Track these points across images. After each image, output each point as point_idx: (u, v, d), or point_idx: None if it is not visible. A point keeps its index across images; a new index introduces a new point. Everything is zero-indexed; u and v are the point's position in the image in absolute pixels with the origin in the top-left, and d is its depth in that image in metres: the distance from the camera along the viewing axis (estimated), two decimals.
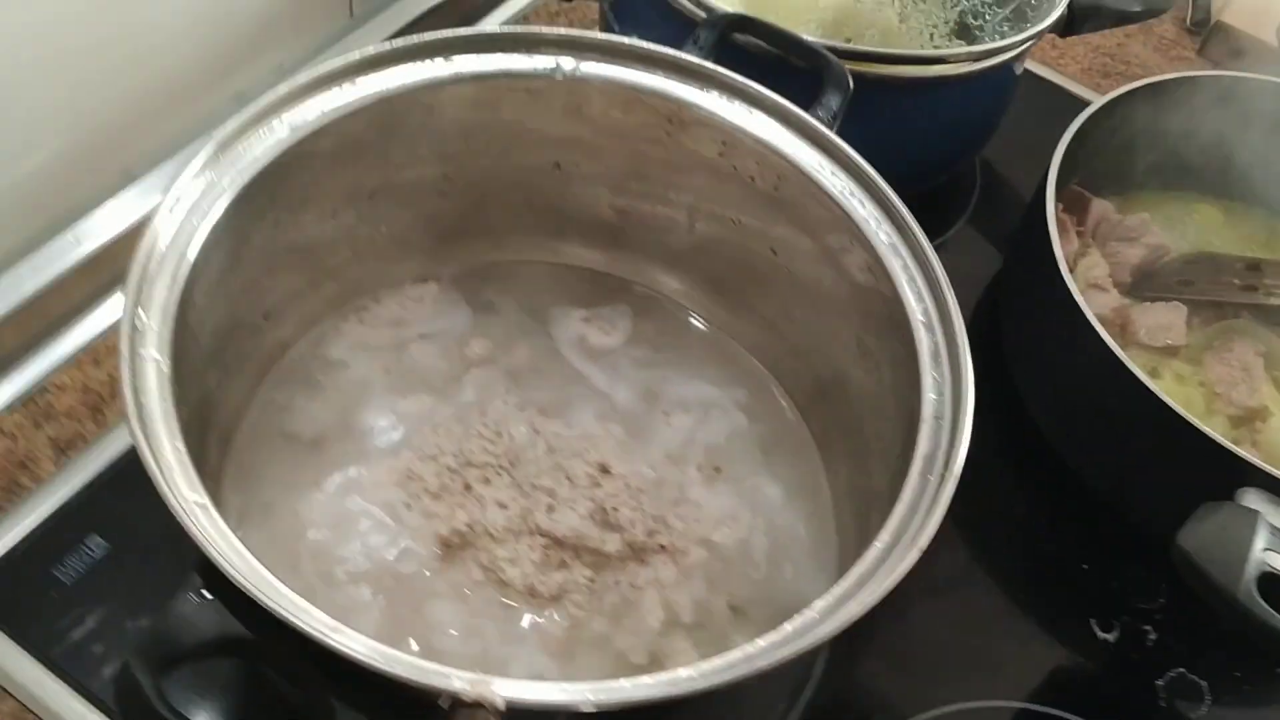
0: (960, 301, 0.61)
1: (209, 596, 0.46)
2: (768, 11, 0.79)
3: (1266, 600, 0.62)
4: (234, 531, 0.49)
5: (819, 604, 0.51)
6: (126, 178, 0.76)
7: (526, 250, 0.76)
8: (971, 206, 0.97)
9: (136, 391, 0.50)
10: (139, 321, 0.52)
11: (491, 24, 0.97)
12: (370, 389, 0.71)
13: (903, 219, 0.63)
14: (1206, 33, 1.12)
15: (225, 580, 0.45)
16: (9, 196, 0.70)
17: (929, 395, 0.58)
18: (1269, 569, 0.63)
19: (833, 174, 0.65)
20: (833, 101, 0.67)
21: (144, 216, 0.73)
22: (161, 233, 0.55)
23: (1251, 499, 0.67)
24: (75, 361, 0.73)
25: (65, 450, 0.70)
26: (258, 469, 0.66)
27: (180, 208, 0.56)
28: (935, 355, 0.59)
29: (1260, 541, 0.64)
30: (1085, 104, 1.02)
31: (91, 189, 0.75)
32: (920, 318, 0.60)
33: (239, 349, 0.65)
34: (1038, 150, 0.97)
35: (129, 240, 0.73)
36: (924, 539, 0.52)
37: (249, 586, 0.45)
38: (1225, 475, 0.68)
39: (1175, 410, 0.69)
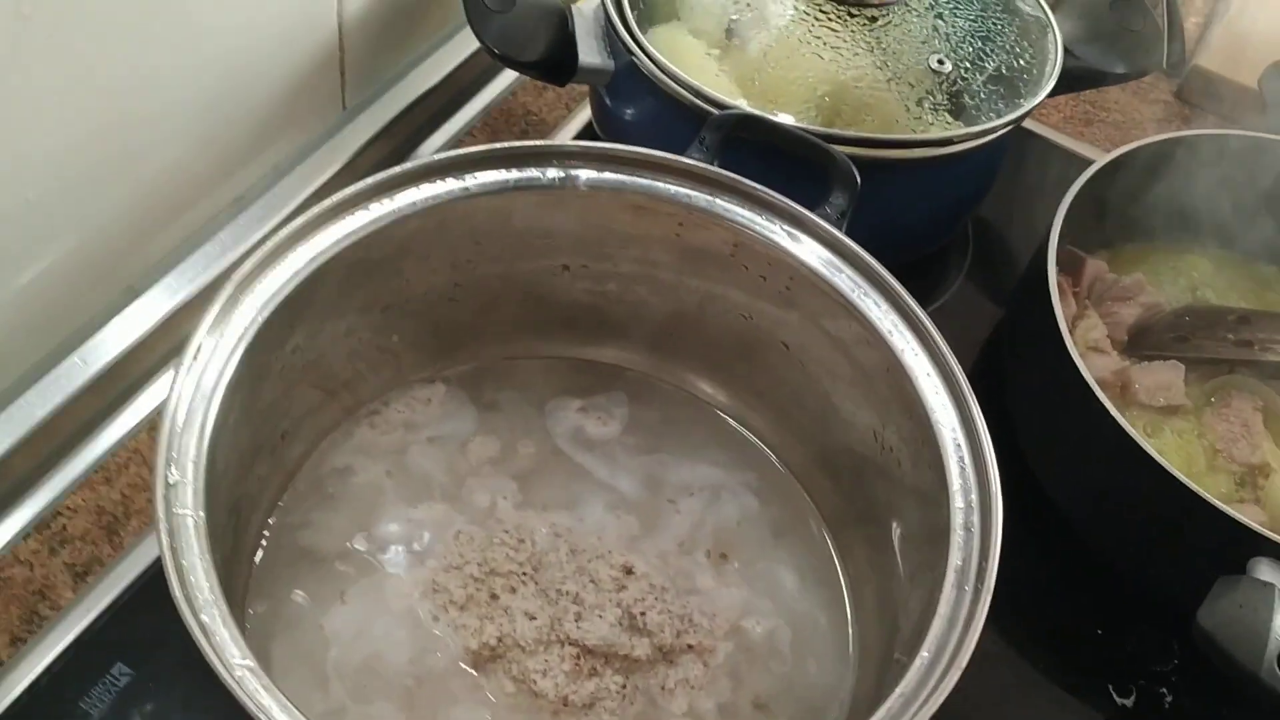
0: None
1: None
2: (766, 97, 0.80)
3: None
4: (259, 647, 0.49)
5: None
6: (129, 294, 0.75)
7: (535, 348, 0.76)
8: (967, 264, 0.97)
9: (176, 553, 0.50)
10: (172, 478, 0.52)
11: (478, 106, 0.97)
12: (386, 498, 0.70)
13: (919, 321, 0.63)
14: (1184, 76, 1.13)
15: None
16: (12, 318, 0.69)
17: (957, 504, 0.58)
18: None
19: (844, 273, 0.65)
20: (840, 200, 0.67)
21: (144, 335, 0.74)
22: (185, 388, 0.54)
23: (1265, 570, 0.68)
24: (87, 482, 0.73)
25: (83, 575, 0.70)
26: (282, 586, 0.66)
27: (202, 355, 0.56)
28: (960, 462, 0.59)
29: (1279, 617, 0.65)
30: (1071, 156, 1.05)
31: (95, 307, 0.74)
32: (946, 426, 0.60)
33: (259, 474, 0.65)
34: (1027, 206, 0.99)
35: (136, 356, 0.74)
36: (964, 657, 0.53)
37: None
38: (1235, 544, 0.69)
39: (1181, 481, 0.70)
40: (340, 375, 0.69)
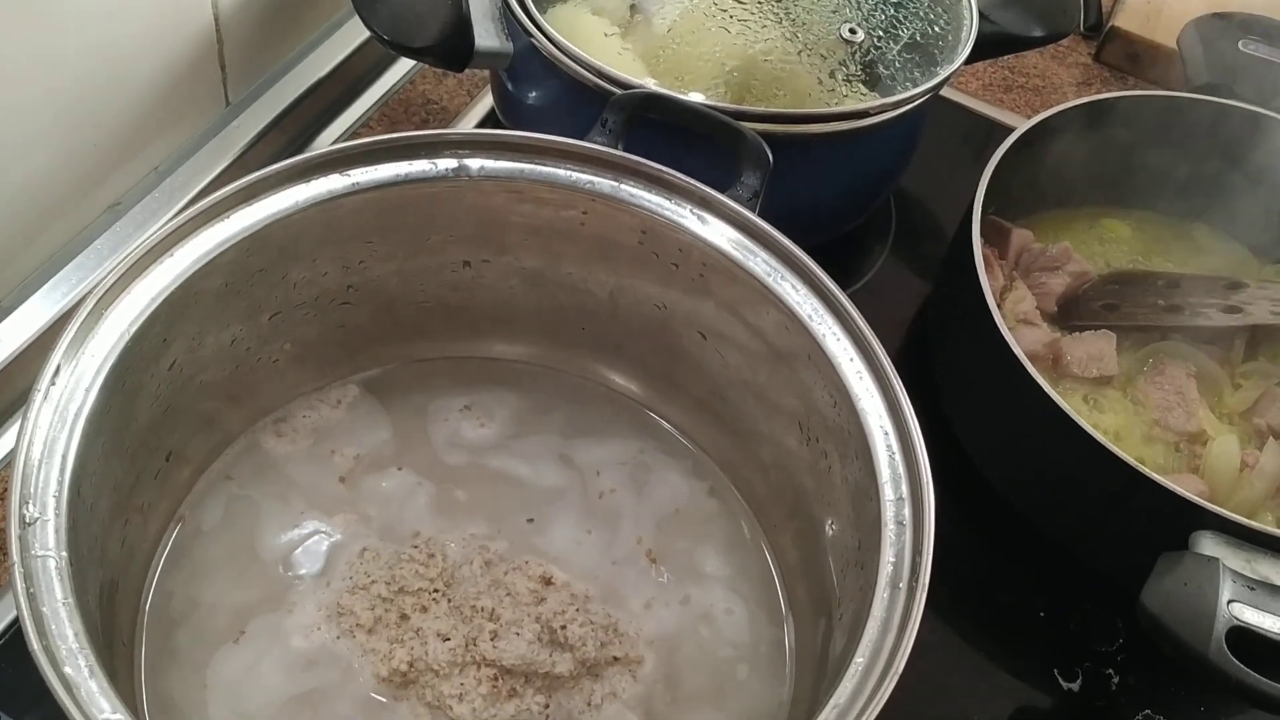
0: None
1: None
2: (673, 75, 0.77)
3: (1237, 653, 0.61)
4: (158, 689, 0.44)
5: None
6: None
7: (441, 349, 0.72)
8: (890, 239, 0.95)
9: (34, 600, 0.45)
10: (29, 516, 0.47)
11: (375, 95, 0.93)
12: (286, 516, 0.66)
13: (840, 304, 0.60)
14: (1101, 37, 1.11)
15: None
16: None
17: (887, 496, 0.55)
18: (1238, 623, 0.62)
19: (758, 257, 0.62)
20: (752, 180, 0.64)
21: (14, 354, 0.69)
22: (41, 417, 0.50)
23: (1208, 544, 0.66)
24: None
25: None
26: (175, 619, 0.62)
27: (60, 379, 0.51)
28: (889, 451, 0.56)
29: (1225, 594, 0.63)
30: (991, 123, 1.03)
31: None
32: (872, 414, 0.57)
33: (142, 501, 0.60)
34: (949, 175, 0.96)
35: (4, 380, 0.68)
36: (899, 662, 0.50)
37: None
38: (1176, 517, 0.67)
39: (1116, 454, 0.68)
40: (228, 389, 0.65)
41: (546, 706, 0.61)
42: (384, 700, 0.60)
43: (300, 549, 0.65)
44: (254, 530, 0.65)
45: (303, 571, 0.64)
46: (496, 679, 0.61)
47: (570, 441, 0.72)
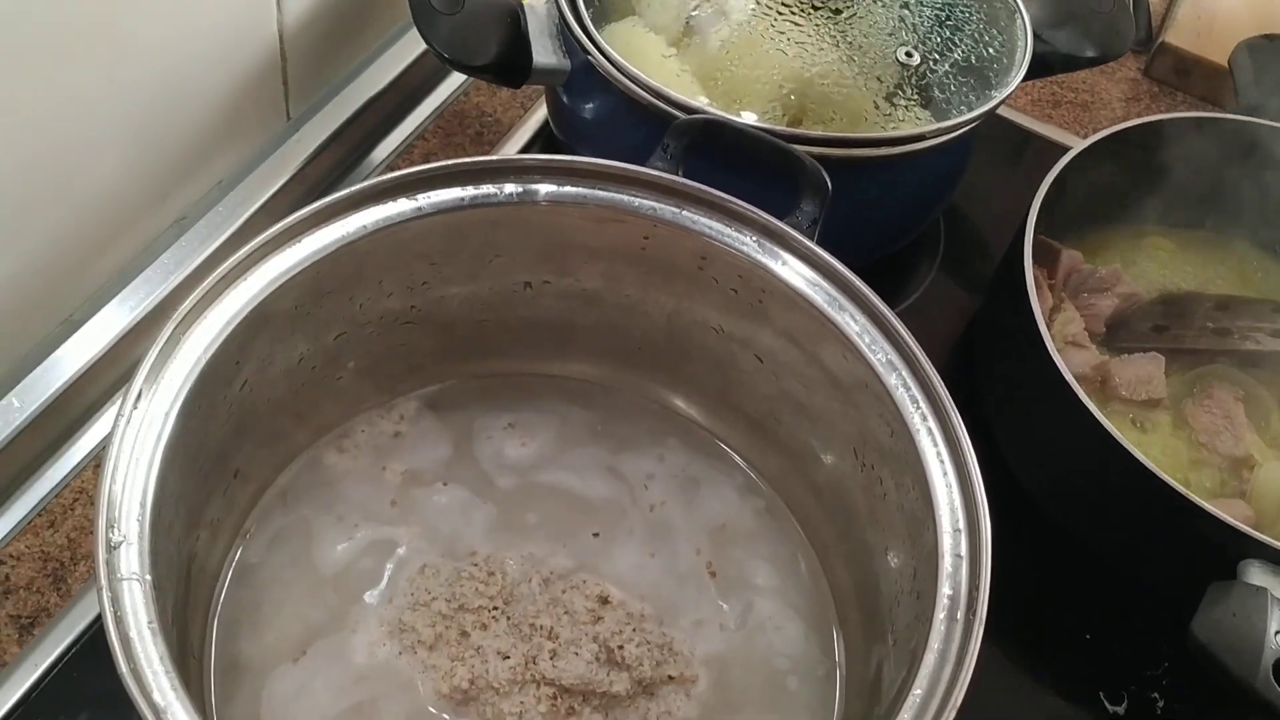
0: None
1: None
2: (729, 96, 0.77)
3: None
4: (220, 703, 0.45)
5: None
6: (69, 326, 0.72)
7: (498, 366, 0.73)
8: (939, 256, 0.95)
9: (121, 624, 0.47)
10: (114, 540, 0.48)
11: (430, 108, 0.94)
12: (345, 531, 0.67)
13: (897, 334, 0.60)
14: (1151, 53, 1.11)
15: None
16: None
17: (944, 528, 0.56)
18: None
19: (818, 286, 0.63)
20: (811, 207, 0.64)
21: (85, 366, 0.70)
22: (124, 442, 0.51)
23: (1256, 573, 0.67)
24: (30, 527, 0.69)
25: (29, 628, 0.66)
26: (242, 631, 0.63)
27: (142, 403, 0.52)
28: (946, 484, 0.57)
29: (1274, 624, 0.64)
30: (1041, 140, 1.03)
31: (32, 342, 0.71)
32: (928, 446, 0.58)
33: (212, 515, 0.62)
34: (999, 193, 0.97)
35: (78, 390, 0.70)
36: (958, 695, 0.51)
37: None
38: (1223, 544, 0.68)
39: (1164, 480, 0.68)
40: (294, 407, 0.66)
41: None
42: (444, 717, 0.62)
43: (361, 565, 0.66)
44: (316, 546, 0.67)
45: (364, 588, 0.66)
46: (555, 698, 0.62)
47: (617, 455, 0.73)
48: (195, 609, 0.60)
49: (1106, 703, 0.74)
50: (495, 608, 0.65)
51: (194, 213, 0.78)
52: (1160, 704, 0.74)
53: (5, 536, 0.68)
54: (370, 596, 0.65)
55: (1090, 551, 0.77)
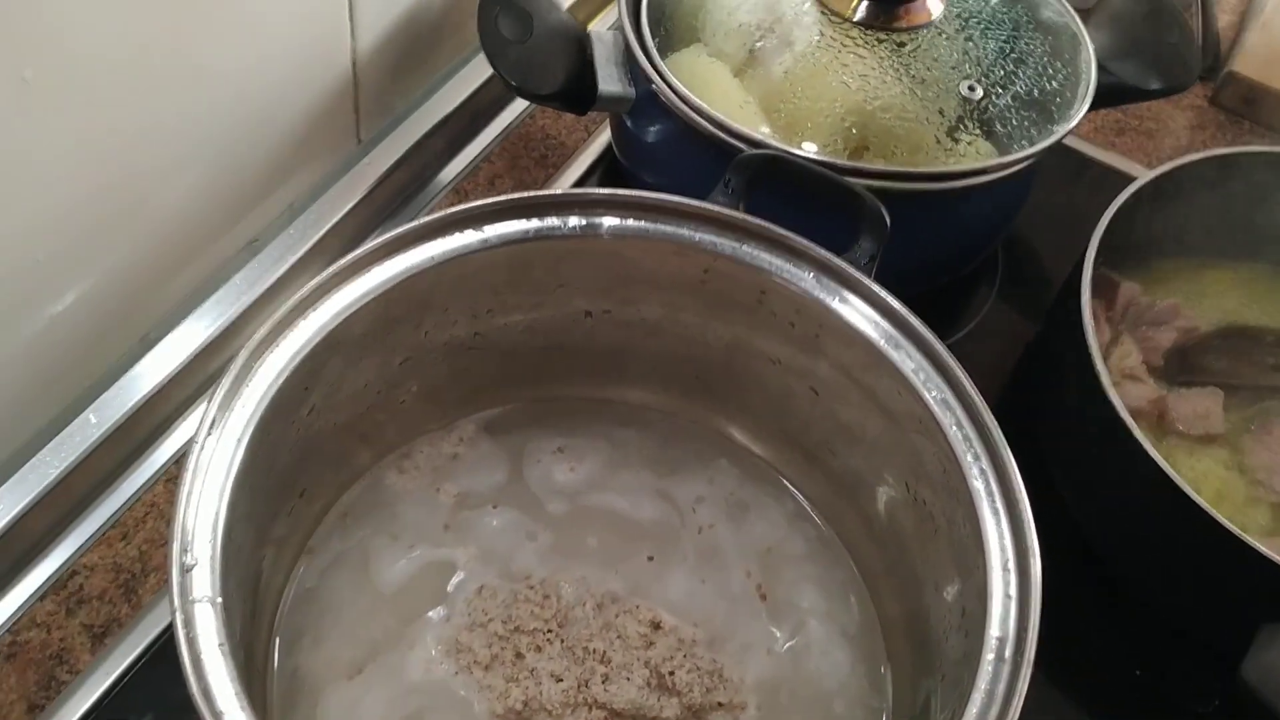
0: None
1: None
2: (791, 127, 0.78)
3: None
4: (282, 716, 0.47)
5: None
6: (144, 344, 0.74)
7: (557, 391, 0.75)
8: (996, 285, 0.95)
9: (193, 644, 0.48)
10: (188, 562, 0.50)
11: (495, 130, 0.95)
12: (405, 551, 0.69)
13: (951, 370, 0.61)
14: (1218, 82, 1.10)
15: None
16: (23, 375, 0.68)
17: (994, 568, 0.56)
18: None
19: (875, 323, 0.63)
20: (869, 244, 0.65)
21: (159, 385, 0.72)
22: (199, 466, 0.53)
23: None
24: (103, 539, 0.71)
25: (101, 637, 0.68)
26: (303, 648, 0.65)
27: (216, 430, 0.54)
28: (998, 526, 0.57)
29: None
30: (1103, 168, 1.03)
31: (109, 359, 0.73)
32: (980, 487, 0.58)
33: (278, 534, 0.64)
34: (1059, 222, 0.96)
35: (151, 406, 0.72)
36: None
37: None
38: (1278, 587, 0.67)
39: (1218, 520, 0.67)
40: (359, 429, 0.68)
41: None
42: None
43: (420, 585, 0.68)
44: (376, 566, 0.68)
45: (423, 607, 0.67)
46: None
47: (666, 479, 0.74)
48: (260, 626, 0.62)
49: None
50: (550, 630, 0.66)
51: (265, 235, 0.80)
52: None
53: (80, 548, 0.71)
54: (428, 616, 0.67)
55: (1141, 587, 0.77)
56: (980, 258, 0.90)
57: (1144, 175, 0.82)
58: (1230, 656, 0.66)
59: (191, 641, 0.49)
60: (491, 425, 0.74)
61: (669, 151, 0.84)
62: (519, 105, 0.97)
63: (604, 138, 0.95)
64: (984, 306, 0.94)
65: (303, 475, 0.65)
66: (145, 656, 0.68)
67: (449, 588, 0.68)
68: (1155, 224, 0.87)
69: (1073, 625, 0.78)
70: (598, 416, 0.75)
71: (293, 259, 0.79)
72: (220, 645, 0.49)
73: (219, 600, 0.50)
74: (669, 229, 0.65)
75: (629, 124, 0.86)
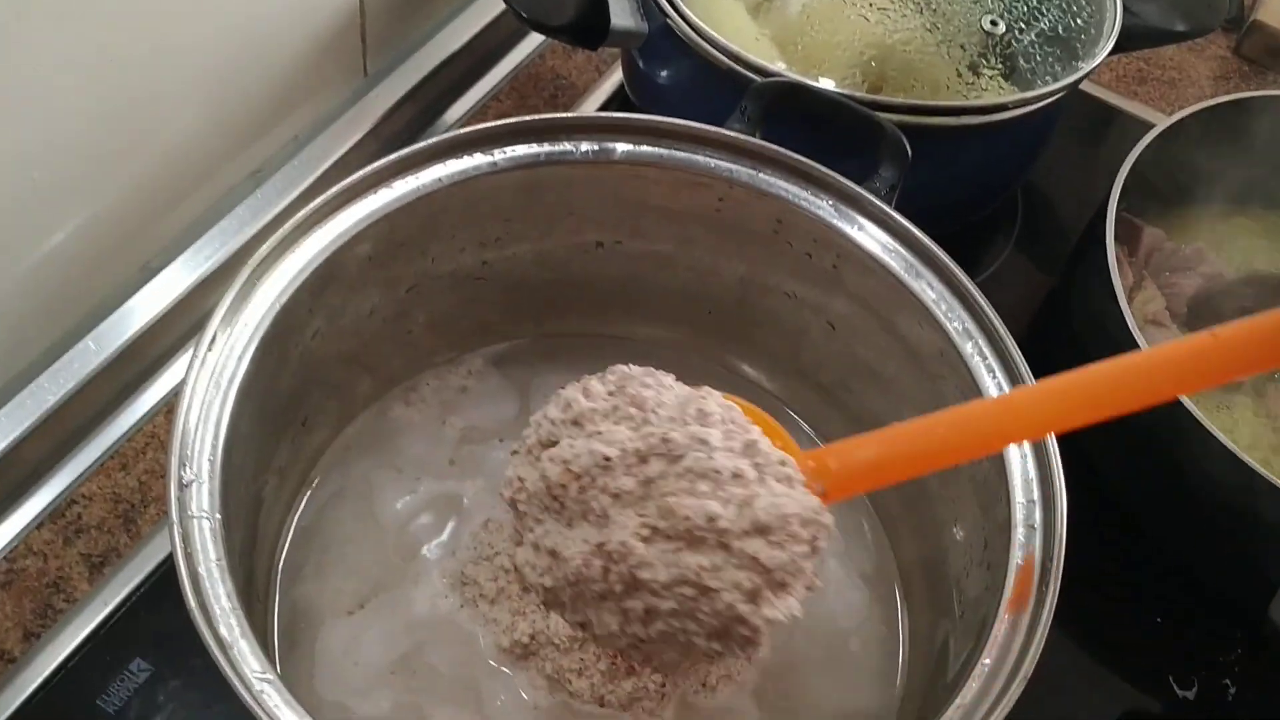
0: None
1: None
2: (808, 61, 0.76)
3: None
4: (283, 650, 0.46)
5: None
6: (145, 272, 0.72)
7: (566, 325, 0.73)
8: (1016, 231, 0.93)
9: (191, 559, 0.47)
10: (186, 478, 0.49)
11: (505, 69, 0.93)
12: (409, 484, 0.67)
13: (976, 302, 0.59)
14: (1243, 31, 1.08)
15: None
16: (23, 301, 0.66)
17: (1018, 499, 0.55)
18: None
19: (895, 252, 0.62)
20: (889, 173, 0.63)
21: (160, 314, 0.71)
22: (199, 382, 0.51)
23: None
24: (102, 469, 0.70)
25: (99, 566, 0.67)
26: (305, 581, 0.64)
27: (216, 345, 0.53)
28: (1021, 453, 0.56)
29: None
30: (1125, 116, 1.01)
31: (110, 287, 0.71)
32: None
33: (280, 462, 0.62)
34: (1080, 170, 0.95)
35: (152, 336, 0.71)
36: (1028, 665, 0.50)
37: None
38: None
39: (1247, 462, 0.66)
40: (361, 359, 0.66)
41: (663, 685, 0.62)
42: (504, 670, 0.62)
43: (425, 518, 0.66)
44: (379, 499, 0.67)
45: (428, 541, 0.66)
46: (615, 656, 0.61)
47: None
48: (261, 555, 0.61)
49: (1176, 688, 0.72)
50: None
51: (270, 166, 0.78)
52: (1233, 691, 0.72)
53: (78, 477, 0.70)
54: (431, 550, 0.65)
55: (1165, 536, 0.76)
56: (999, 200, 0.88)
57: (1166, 120, 0.80)
58: (1252, 607, 0.64)
59: (189, 556, 0.47)
60: (500, 359, 0.72)
61: (683, 89, 0.82)
62: (529, 44, 0.95)
63: (615, 78, 0.93)
64: (1001, 256, 0.92)
65: (305, 402, 0.63)
66: (144, 587, 0.66)
67: (453, 522, 0.66)
68: (1179, 170, 0.85)
69: (1094, 573, 0.76)
70: (607, 352, 0.72)
71: (297, 190, 0.78)
72: (218, 561, 0.48)
73: (218, 517, 0.49)
74: (683, 155, 0.63)
75: (641, 61, 0.84)
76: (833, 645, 0.65)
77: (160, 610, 0.66)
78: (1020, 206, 0.95)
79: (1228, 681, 0.73)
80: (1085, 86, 1.01)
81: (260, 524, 0.60)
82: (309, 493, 0.66)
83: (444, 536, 0.66)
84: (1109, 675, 0.73)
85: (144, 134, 0.68)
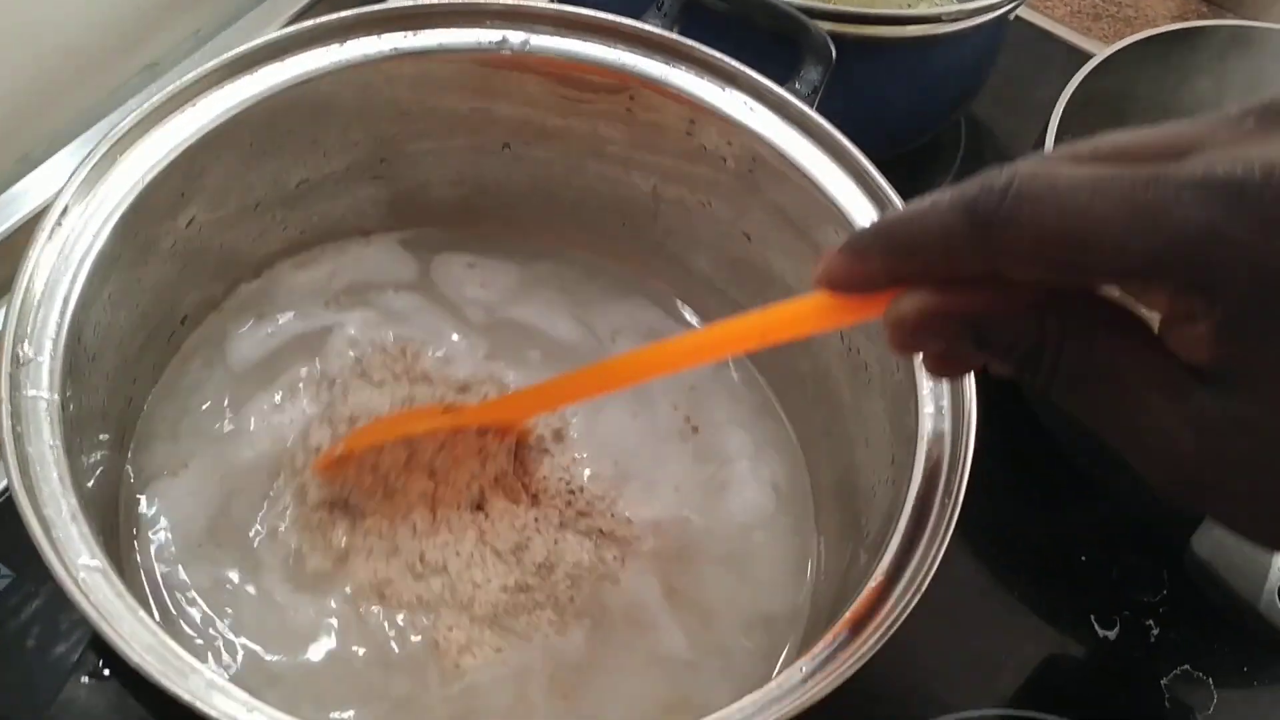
0: None
1: (107, 675, 0.41)
2: None
3: None
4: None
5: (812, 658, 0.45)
6: (25, 163, 0.68)
7: (472, 233, 0.69)
8: (956, 165, 0.90)
9: (20, 440, 0.43)
10: (23, 355, 0.45)
11: None
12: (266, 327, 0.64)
13: (894, 206, 0.56)
14: None
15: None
16: None
17: (926, 409, 0.52)
18: None
19: (815, 155, 0.58)
20: (813, 74, 0.60)
21: (40, 205, 0.67)
22: (45, 256, 0.48)
23: None
24: None
25: None
26: (146, 450, 0.59)
27: (68, 220, 0.49)
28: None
29: None
30: (1074, 51, 0.98)
31: None
32: None
33: (153, 360, 0.58)
34: (1024, 102, 0.92)
35: (28, 232, 0.66)
36: (925, 577, 0.47)
37: (154, 675, 0.39)
38: None
39: None
40: (251, 256, 0.62)
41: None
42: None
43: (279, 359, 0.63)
44: (232, 345, 0.63)
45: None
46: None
47: (585, 307, 0.68)
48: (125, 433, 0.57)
49: (1098, 627, 0.70)
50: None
51: (167, 60, 0.74)
52: (1155, 631, 0.70)
53: None
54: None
55: (1089, 470, 0.73)
56: (938, 126, 0.85)
57: (1107, 49, 0.77)
58: (1180, 544, 0.62)
59: (19, 438, 0.44)
60: (404, 241, 0.68)
61: None
62: None
63: None
64: (941, 184, 0.89)
65: (185, 297, 0.59)
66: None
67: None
68: (1119, 100, 0.82)
69: (1016, 509, 0.74)
70: (513, 248, 0.69)
71: None
72: (51, 445, 0.44)
73: (55, 399, 0.45)
74: (591, 49, 0.60)
75: None
76: (734, 541, 0.62)
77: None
78: (963, 139, 0.92)
79: (1151, 622, 0.71)
80: (1036, 19, 0.98)
81: (128, 420, 0.56)
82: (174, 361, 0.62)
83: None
84: (1029, 613, 0.71)
85: (27, 23, 0.64)
